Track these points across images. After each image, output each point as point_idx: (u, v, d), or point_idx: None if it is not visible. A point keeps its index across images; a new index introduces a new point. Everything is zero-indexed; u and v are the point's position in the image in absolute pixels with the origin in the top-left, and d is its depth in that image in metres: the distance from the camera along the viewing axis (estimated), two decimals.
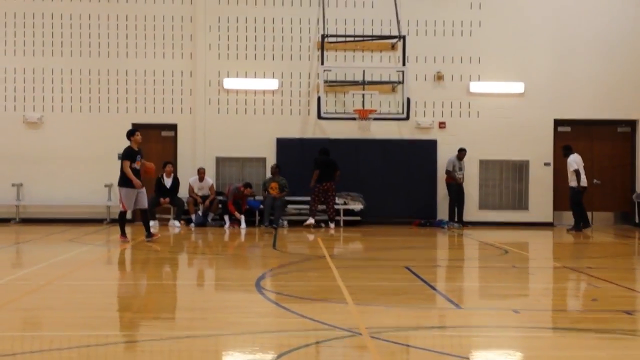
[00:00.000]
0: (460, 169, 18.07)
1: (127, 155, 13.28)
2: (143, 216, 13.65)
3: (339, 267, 10.44)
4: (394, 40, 18.21)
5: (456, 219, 17.87)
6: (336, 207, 17.67)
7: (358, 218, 18.09)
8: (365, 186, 18.25)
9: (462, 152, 18.03)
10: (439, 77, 18.69)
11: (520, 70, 18.69)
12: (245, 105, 18.64)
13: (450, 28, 18.79)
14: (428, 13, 18.72)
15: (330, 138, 18.45)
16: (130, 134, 13.57)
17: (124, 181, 13.26)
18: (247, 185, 17.34)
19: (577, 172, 16.56)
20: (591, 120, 18.88)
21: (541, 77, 18.69)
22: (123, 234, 13.50)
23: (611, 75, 18.63)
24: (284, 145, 18.47)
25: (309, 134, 18.63)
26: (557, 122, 18.81)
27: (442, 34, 18.77)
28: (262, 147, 18.54)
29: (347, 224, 17.94)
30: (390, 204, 18.34)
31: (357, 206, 18.01)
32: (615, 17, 18.70)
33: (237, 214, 17.21)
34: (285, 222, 17.67)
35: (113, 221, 17.67)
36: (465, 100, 18.78)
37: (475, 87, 18.73)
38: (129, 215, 14.72)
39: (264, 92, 18.67)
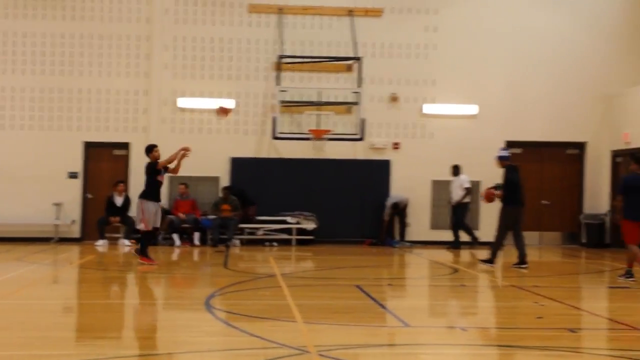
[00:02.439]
0: None
1: (156, 170, 12.80)
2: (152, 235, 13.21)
3: (289, 285, 10.43)
4: (350, 62, 18.37)
5: (403, 238, 18.28)
6: (289, 226, 17.93)
7: (311, 237, 18.08)
8: (318, 206, 18.26)
9: None
10: (394, 98, 18.86)
11: (474, 93, 18.96)
12: (200, 124, 18.58)
13: (406, 50, 19.00)
14: (384, 35, 18.90)
15: (285, 158, 18.49)
16: (149, 150, 13.07)
17: (149, 194, 12.78)
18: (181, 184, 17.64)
19: (469, 190, 17.59)
20: (541, 142, 19.25)
21: (494, 99, 18.98)
22: (146, 255, 12.82)
23: (561, 98, 19.03)
24: (238, 165, 18.43)
25: (263, 154, 18.62)
26: (509, 144, 19.07)
27: (398, 56, 18.96)
28: (216, 166, 18.44)
29: (300, 243, 17.92)
30: (343, 224, 18.39)
31: (310, 225, 18.02)
32: (565, 43, 19.09)
33: (181, 215, 17.30)
34: (237, 242, 17.58)
35: (61, 240, 17.44)
36: (420, 121, 18.98)
37: (429, 108, 18.94)
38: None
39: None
